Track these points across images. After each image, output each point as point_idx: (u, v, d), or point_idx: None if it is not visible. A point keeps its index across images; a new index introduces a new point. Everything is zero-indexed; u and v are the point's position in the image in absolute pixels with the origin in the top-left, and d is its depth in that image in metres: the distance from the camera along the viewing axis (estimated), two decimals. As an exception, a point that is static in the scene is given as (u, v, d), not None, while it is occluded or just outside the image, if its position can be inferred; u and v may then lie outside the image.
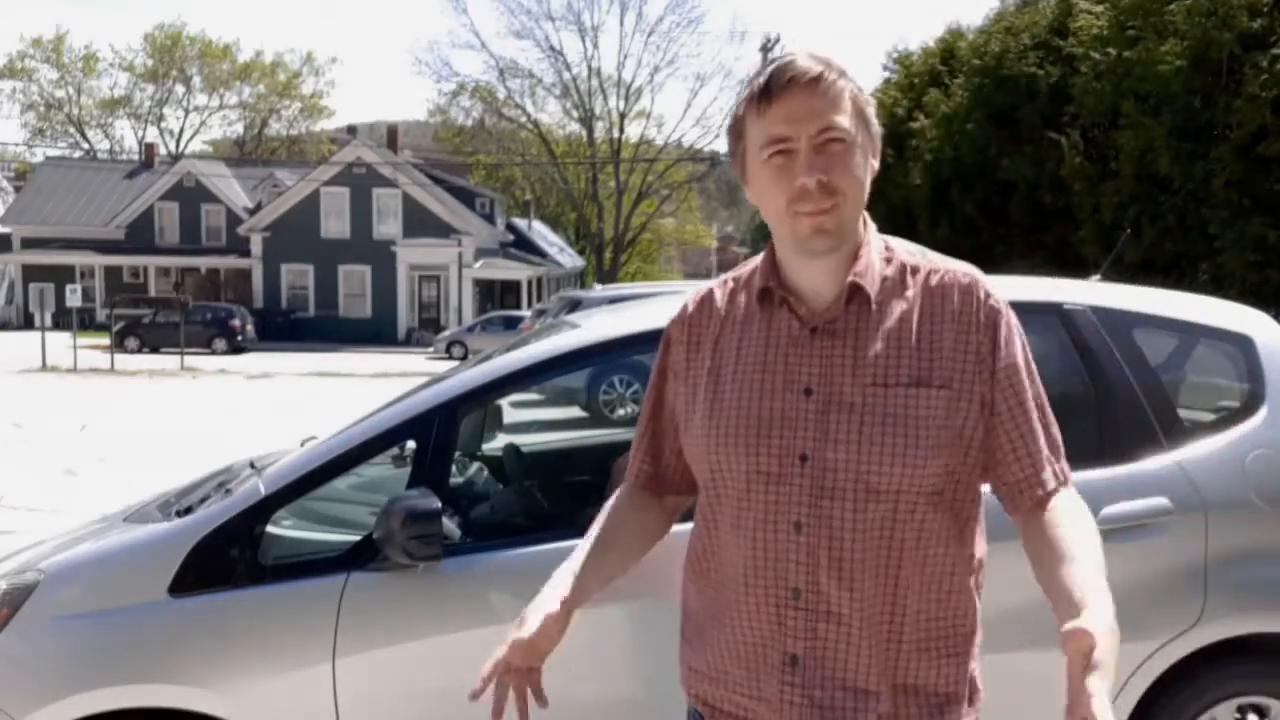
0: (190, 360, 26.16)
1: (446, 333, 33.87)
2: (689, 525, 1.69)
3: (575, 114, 50.45)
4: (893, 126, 21.54)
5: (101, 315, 37.71)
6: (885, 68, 26.20)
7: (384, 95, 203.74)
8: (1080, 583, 1.38)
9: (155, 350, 30.37)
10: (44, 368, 22.93)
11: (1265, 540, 2.70)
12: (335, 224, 40.27)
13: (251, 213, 42.12)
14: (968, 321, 1.50)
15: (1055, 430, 1.56)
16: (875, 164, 1.54)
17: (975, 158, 19.22)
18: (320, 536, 2.86)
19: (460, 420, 2.75)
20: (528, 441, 4.15)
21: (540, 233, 53.13)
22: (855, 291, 1.51)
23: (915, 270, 1.54)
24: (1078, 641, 1.26)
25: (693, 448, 1.61)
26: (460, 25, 59.95)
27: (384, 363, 27.59)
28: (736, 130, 1.55)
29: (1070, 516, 1.50)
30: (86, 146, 60.55)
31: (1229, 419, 2.81)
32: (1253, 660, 2.71)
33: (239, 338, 32.31)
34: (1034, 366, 1.55)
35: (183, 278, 42.56)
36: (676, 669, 1.70)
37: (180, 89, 60.84)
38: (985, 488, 1.57)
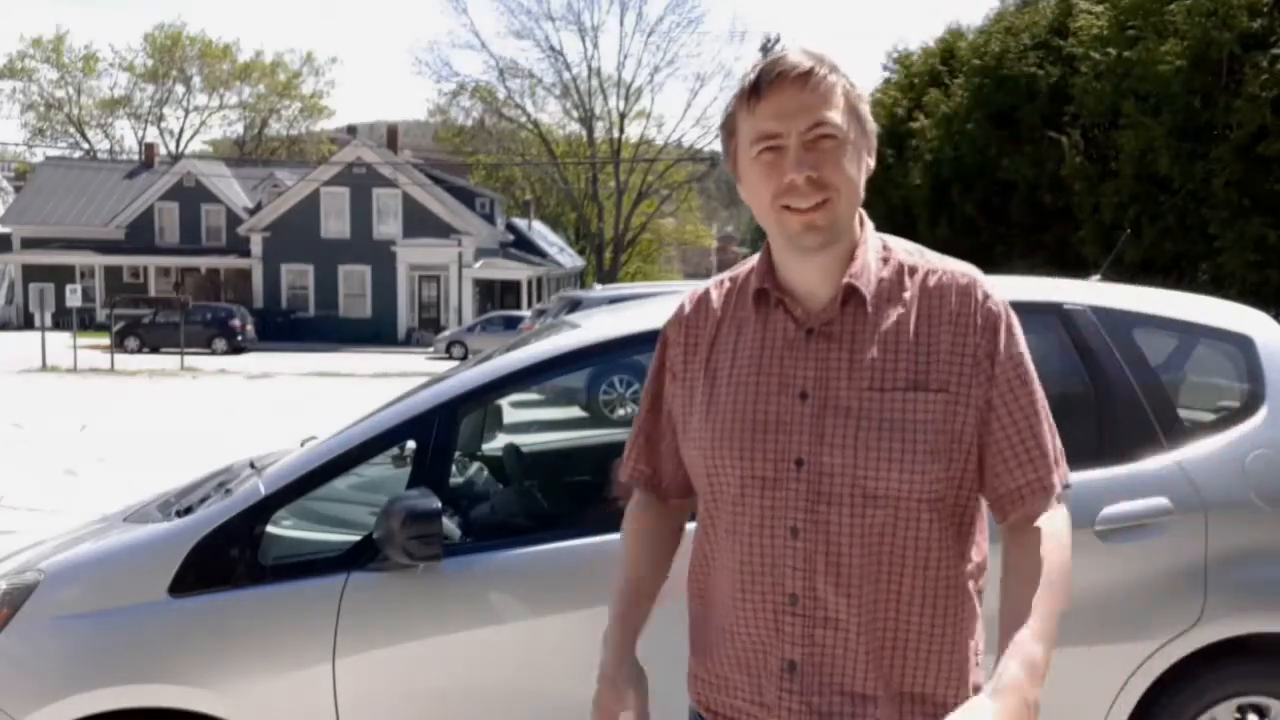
0: (190, 360, 26.16)
1: (446, 333, 33.87)
2: (693, 524, 1.68)
3: (575, 114, 50.55)
4: (893, 126, 21.54)
5: (101, 315, 37.71)
6: (885, 68, 26.20)
7: (384, 95, 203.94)
8: (1014, 646, 1.36)
9: (155, 350, 30.37)
10: (44, 368, 22.94)
11: (1265, 540, 2.70)
12: (335, 224, 40.27)
13: (251, 213, 42.12)
14: (965, 324, 1.47)
15: (1055, 437, 1.52)
16: (871, 161, 1.51)
17: (975, 158, 19.21)
18: (320, 536, 2.86)
19: (460, 420, 2.75)
20: (528, 441, 4.15)
21: (540, 233, 53.12)
22: (851, 293, 1.48)
23: (913, 271, 1.51)
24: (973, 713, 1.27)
25: (690, 451, 1.60)
26: (460, 25, 60.06)
27: (384, 363, 27.59)
28: (728, 128, 1.53)
29: (1042, 553, 1.44)
30: (86, 146, 60.60)
31: (1229, 419, 2.81)
32: (1253, 660, 2.71)
33: (239, 338, 32.30)
34: (1034, 371, 1.52)
35: (183, 278, 42.56)
36: (677, 670, 1.70)
37: (180, 89, 60.93)
38: None
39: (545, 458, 4.23)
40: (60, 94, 60.18)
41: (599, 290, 15.62)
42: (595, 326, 2.95)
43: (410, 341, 38.44)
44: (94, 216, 43.27)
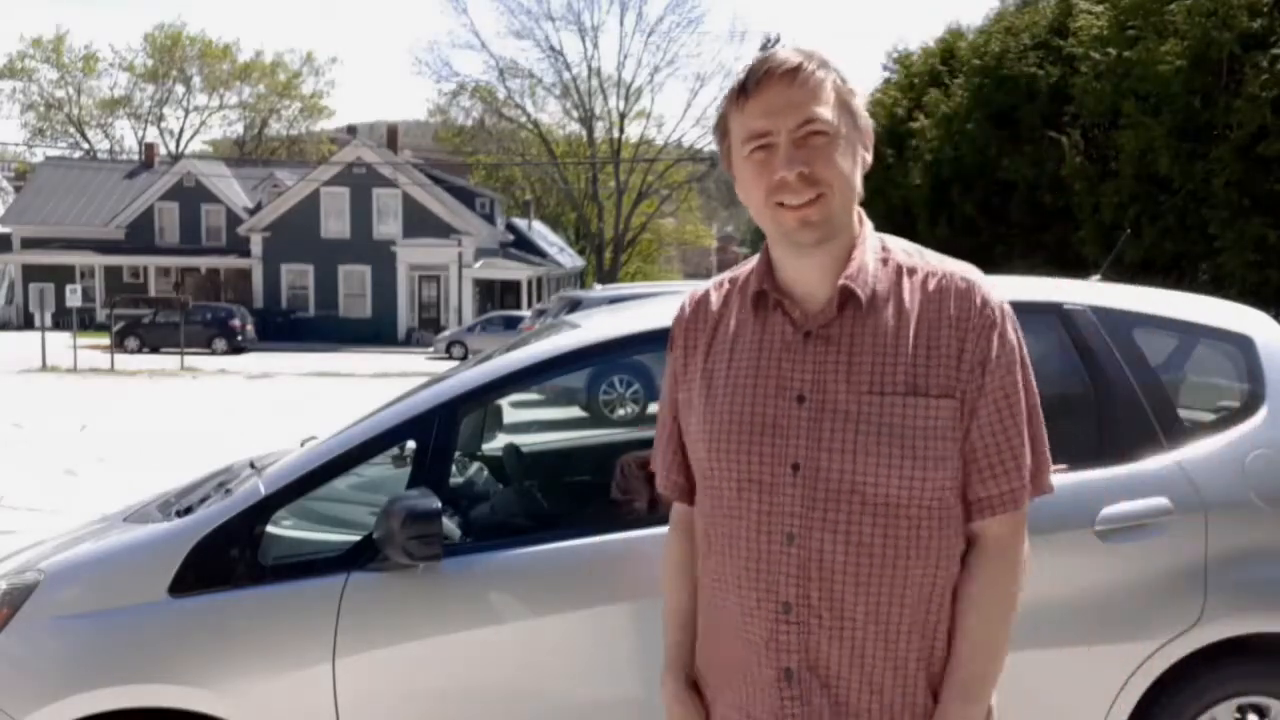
0: (190, 360, 26.15)
1: (446, 333, 33.86)
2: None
3: (575, 114, 50.53)
4: (893, 126, 21.54)
5: (101, 315, 37.70)
6: (885, 68, 26.18)
7: (384, 95, 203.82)
8: (955, 668, 1.48)
9: (155, 350, 30.37)
10: (44, 368, 22.92)
11: (1265, 540, 2.70)
12: (335, 224, 40.26)
13: (251, 213, 42.11)
14: (965, 328, 1.45)
15: (1042, 446, 1.52)
16: (867, 156, 1.50)
17: (975, 158, 19.20)
18: (320, 536, 2.86)
19: (460, 420, 2.75)
20: (528, 441, 4.15)
21: (540, 233, 53.12)
22: (848, 296, 1.47)
23: (912, 272, 1.50)
24: None
25: (692, 453, 1.59)
26: (460, 25, 60.15)
27: (384, 363, 27.58)
28: (721, 128, 1.53)
29: (995, 572, 1.50)
30: (86, 146, 60.58)
31: (1229, 419, 2.81)
32: (1253, 660, 2.71)
33: (239, 338, 32.29)
34: (1032, 377, 1.51)
35: (183, 278, 42.55)
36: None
37: (180, 89, 60.91)
38: None
39: (545, 458, 4.23)
40: (60, 94, 60.24)
41: (599, 290, 15.62)
42: (595, 326, 2.95)
43: (410, 341, 38.44)
44: (94, 216, 43.27)
